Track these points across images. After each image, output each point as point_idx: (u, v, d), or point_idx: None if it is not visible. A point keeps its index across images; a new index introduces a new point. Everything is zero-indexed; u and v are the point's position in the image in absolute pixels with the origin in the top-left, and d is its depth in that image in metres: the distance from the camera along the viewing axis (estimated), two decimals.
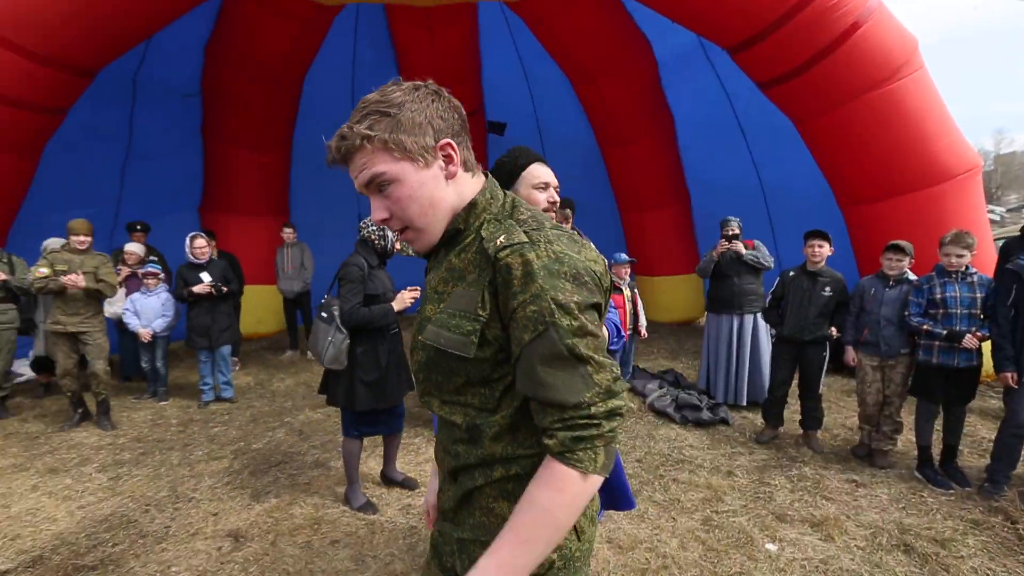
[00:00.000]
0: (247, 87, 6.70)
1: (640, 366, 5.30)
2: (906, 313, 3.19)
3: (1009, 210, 35.07)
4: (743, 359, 4.29)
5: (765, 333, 4.35)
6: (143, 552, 2.55)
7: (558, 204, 1.80)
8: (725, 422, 4.00)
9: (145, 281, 4.76)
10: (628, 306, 4.41)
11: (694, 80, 6.80)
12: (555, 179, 1.78)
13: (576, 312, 0.82)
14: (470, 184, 0.99)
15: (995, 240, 5.79)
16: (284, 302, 6.62)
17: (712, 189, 7.34)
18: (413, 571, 2.30)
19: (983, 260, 4.20)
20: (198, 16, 5.86)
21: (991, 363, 3.01)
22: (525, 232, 0.88)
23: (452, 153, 0.95)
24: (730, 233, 4.41)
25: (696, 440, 3.73)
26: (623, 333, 4.13)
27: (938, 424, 3.19)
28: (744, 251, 4.26)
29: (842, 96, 4.75)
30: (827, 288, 3.51)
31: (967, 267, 3.13)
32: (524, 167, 1.74)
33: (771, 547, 2.43)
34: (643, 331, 4.55)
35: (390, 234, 2.81)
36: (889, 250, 3.37)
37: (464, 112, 1.01)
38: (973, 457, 3.34)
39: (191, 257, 4.61)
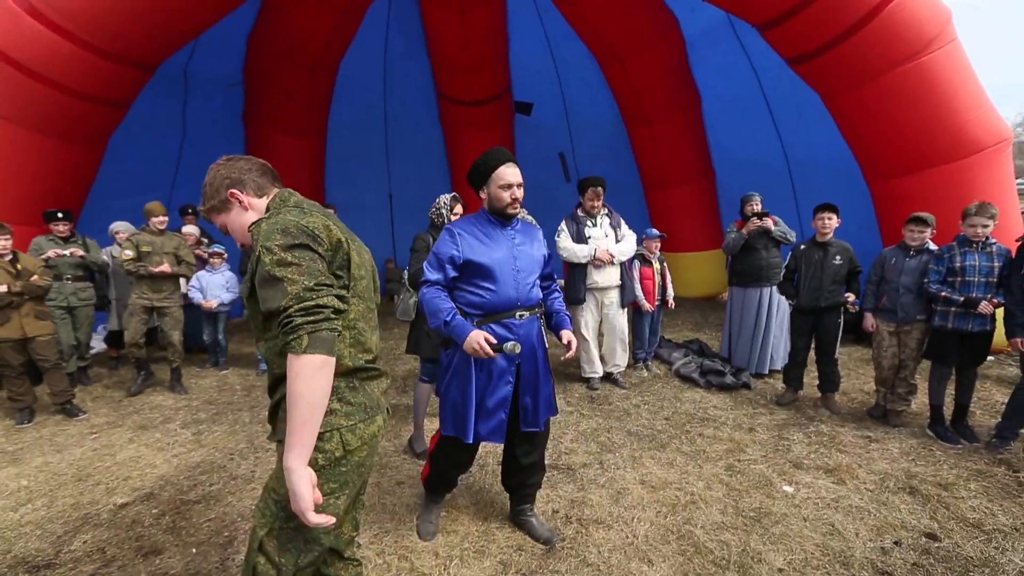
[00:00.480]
0: (287, 75, 7.03)
1: (666, 337, 5.55)
2: (925, 280, 3.37)
3: None
4: (770, 329, 4.50)
5: (786, 303, 4.55)
6: (236, 491, 2.98)
7: (520, 201, 2.14)
8: (747, 386, 4.25)
9: (211, 260, 5.19)
10: (657, 279, 4.65)
11: (721, 57, 6.85)
12: (520, 178, 2.12)
13: (276, 250, 1.20)
14: (264, 201, 1.44)
15: None
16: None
17: (738, 165, 7.44)
18: (473, 505, 2.67)
19: (1008, 231, 4.30)
20: (242, 8, 6.17)
21: (1003, 333, 3.19)
22: (270, 214, 1.33)
23: (238, 195, 1.41)
24: (758, 209, 4.55)
25: (720, 402, 4.01)
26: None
27: (950, 389, 3.39)
28: (773, 227, 4.43)
29: (873, 70, 4.81)
30: (838, 257, 3.70)
31: (987, 237, 3.28)
32: (493, 169, 2.10)
33: (788, 488, 2.72)
34: (671, 302, 4.78)
35: (445, 211, 3.13)
36: (911, 222, 3.52)
37: (253, 159, 1.49)
38: (985, 418, 3.53)
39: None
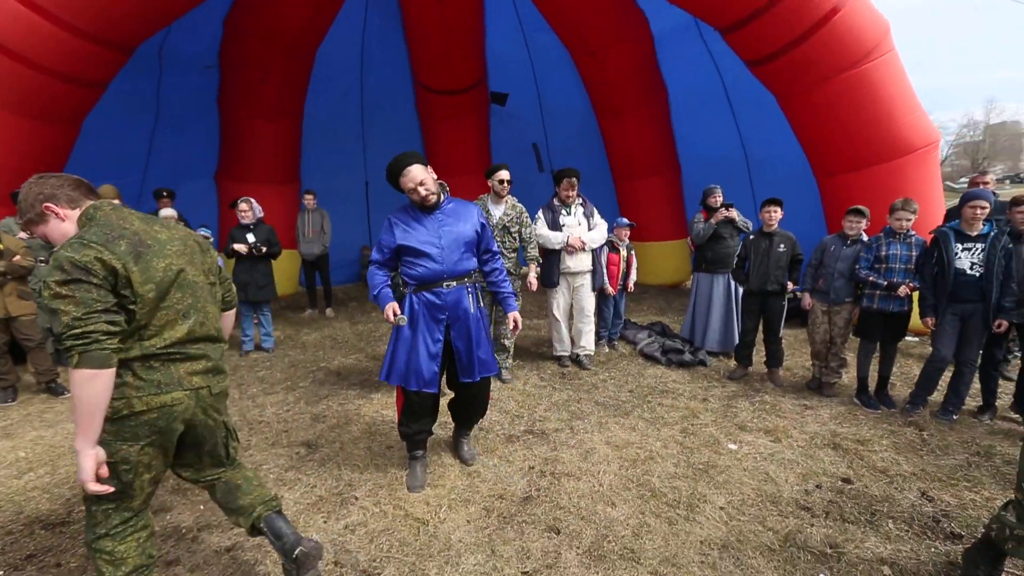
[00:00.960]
0: (264, 59, 7.03)
1: (632, 320, 5.96)
2: (856, 267, 3.83)
3: (995, 180, 35.80)
4: (732, 312, 4.91)
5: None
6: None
7: (430, 197, 2.53)
8: (703, 363, 4.68)
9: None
10: (622, 265, 5.01)
11: (687, 55, 7.22)
12: (427, 177, 2.54)
13: (53, 286, 1.45)
14: (77, 212, 1.66)
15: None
16: (304, 264, 7.15)
17: (701, 159, 7.86)
18: (458, 464, 2.98)
19: (930, 224, 4.83)
20: None
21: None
22: (71, 238, 1.55)
23: (53, 208, 1.62)
24: (722, 201, 4.93)
25: (678, 377, 4.42)
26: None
27: (875, 366, 3.88)
28: (737, 217, 4.82)
29: (821, 75, 5.25)
30: (782, 245, 4.14)
31: (908, 229, 3.75)
32: (402, 170, 2.54)
33: (732, 446, 3.13)
34: (631, 285, 5.13)
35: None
36: (850, 213, 3.97)
37: (65, 175, 1.69)
38: (904, 389, 4.05)
39: (240, 219, 5.15)
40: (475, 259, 2.70)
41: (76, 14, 4.54)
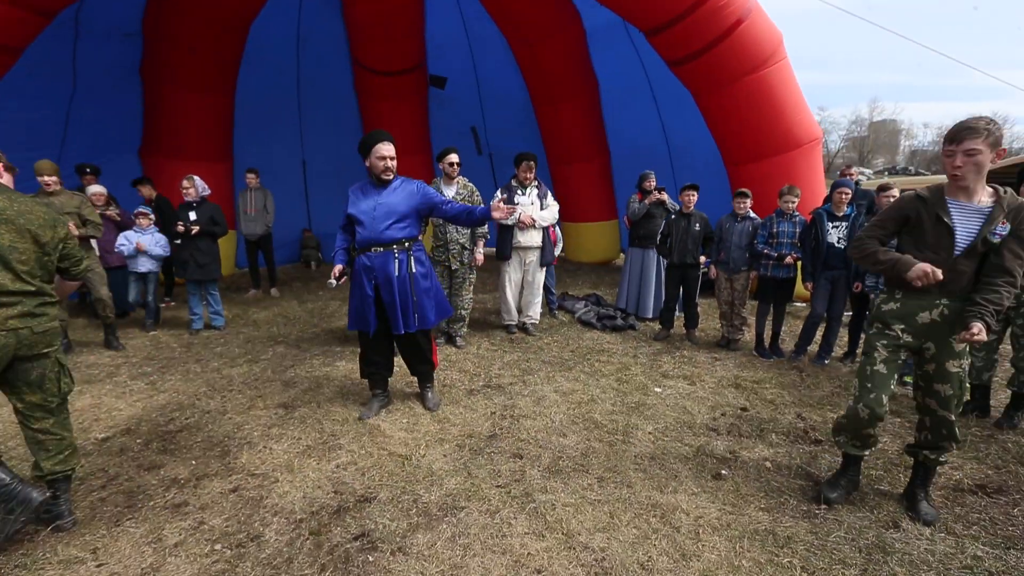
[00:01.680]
0: (193, 31, 6.80)
1: (569, 292, 6.57)
2: (755, 241, 4.61)
3: (875, 172, 40.51)
4: (660, 282, 5.62)
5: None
6: (213, 421, 3.39)
7: (389, 171, 3.08)
8: (632, 327, 5.37)
9: (138, 221, 5.17)
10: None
11: (616, 50, 7.84)
12: (393, 153, 3.11)
13: None
14: None
15: None
16: (246, 244, 7.07)
17: (628, 146, 8.59)
18: (430, 415, 3.39)
19: (813, 206, 5.79)
20: None
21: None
22: None
23: None
24: (654, 184, 5.58)
25: (612, 339, 5.07)
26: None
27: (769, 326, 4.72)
28: (667, 199, 5.49)
29: (727, 77, 6.04)
30: (697, 225, 4.87)
31: (793, 211, 4.57)
32: (373, 145, 3.07)
33: (657, 389, 3.79)
34: (556, 260, 5.60)
35: None
36: (737, 196, 4.75)
37: None
38: (791, 343, 4.94)
39: (185, 197, 5.11)
40: (407, 230, 3.10)
41: None
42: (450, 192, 4.42)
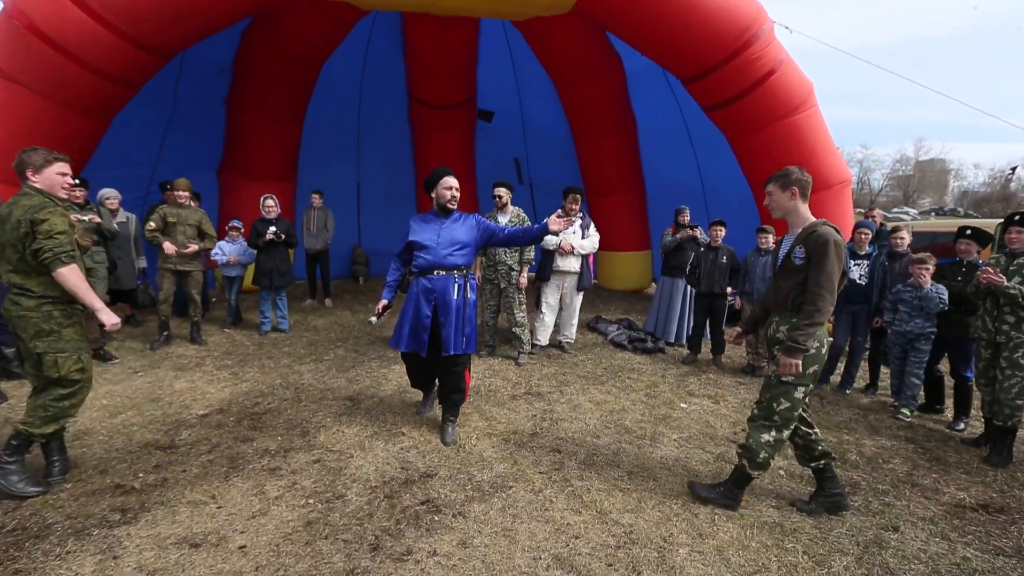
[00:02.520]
0: (276, 68, 7.67)
1: (602, 316, 6.96)
2: None
3: (920, 212, 39.60)
4: (686, 309, 5.99)
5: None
6: (290, 407, 3.92)
7: (454, 201, 3.44)
8: (662, 351, 5.71)
9: (230, 233, 5.91)
10: None
11: (654, 93, 8.36)
12: (457, 185, 3.46)
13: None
14: None
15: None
16: (306, 258, 7.78)
17: (663, 182, 9.03)
18: (476, 414, 3.83)
19: None
20: None
21: None
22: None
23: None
24: (687, 219, 6.02)
25: (642, 360, 5.43)
26: None
27: None
28: (699, 235, 5.91)
29: (760, 123, 6.44)
30: (724, 257, 5.25)
31: None
32: (442, 177, 3.44)
33: (683, 405, 4.13)
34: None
35: None
36: (760, 232, 5.12)
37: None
38: None
39: (264, 213, 5.82)
40: (466, 257, 3.36)
41: (131, 24, 5.12)
42: (504, 219, 4.93)
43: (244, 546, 2.30)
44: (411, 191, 10.64)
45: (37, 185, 2.66)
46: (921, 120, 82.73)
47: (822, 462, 2.75)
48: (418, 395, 4.12)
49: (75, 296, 2.63)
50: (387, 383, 4.44)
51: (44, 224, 2.55)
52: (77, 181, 5.43)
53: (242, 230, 6.11)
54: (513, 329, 5.12)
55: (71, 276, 2.59)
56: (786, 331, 2.59)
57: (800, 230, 2.62)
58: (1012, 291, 3.24)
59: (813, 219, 2.63)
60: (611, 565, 2.22)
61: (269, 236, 5.73)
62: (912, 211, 38.32)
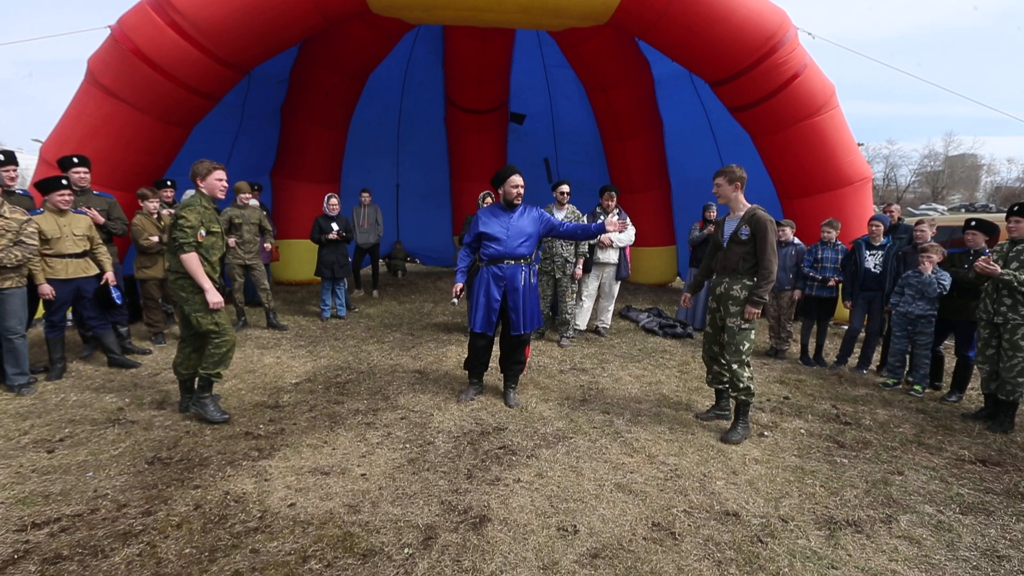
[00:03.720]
0: (330, 79, 8.34)
1: (633, 306, 7.45)
2: (802, 264, 5.38)
3: (950, 208, 38.85)
4: None
5: None
6: (367, 378, 4.52)
7: (520, 197, 3.88)
8: (690, 336, 6.19)
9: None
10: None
11: (680, 96, 8.80)
12: (522, 182, 3.89)
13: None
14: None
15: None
16: (356, 251, 8.42)
17: (687, 180, 9.46)
18: (530, 385, 4.38)
19: (856, 236, 6.45)
20: None
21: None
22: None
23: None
24: (716, 216, 6.47)
25: (672, 344, 5.91)
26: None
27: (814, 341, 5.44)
28: None
29: (784, 123, 6.85)
30: None
31: (835, 240, 5.32)
32: (509, 176, 3.87)
33: None
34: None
35: (479, 201, 4.79)
36: (779, 225, 5.54)
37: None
38: (832, 356, 5.62)
39: (327, 211, 6.46)
40: (531, 247, 3.88)
41: (218, 44, 5.79)
42: (560, 215, 5.41)
43: (364, 474, 2.89)
44: (446, 190, 11.25)
45: (203, 189, 3.34)
46: (951, 114, 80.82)
47: (725, 386, 3.64)
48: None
49: (191, 275, 3.37)
50: (447, 360, 5.02)
51: (181, 219, 3.30)
52: (169, 183, 6.17)
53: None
54: (565, 315, 5.63)
55: (190, 261, 3.33)
56: (739, 288, 3.40)
57: (742, 213, 3.45)
58: (1006, 277, 3.64)
59: (748, 205, 3.49)
60: (662, 491, 2.74)
61: (333, 235, 6.36)
62: (940, 207, 37.60)
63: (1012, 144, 71.17)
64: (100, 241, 4.54)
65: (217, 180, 3.44)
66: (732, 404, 3.59)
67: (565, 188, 5.42)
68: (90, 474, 2.86)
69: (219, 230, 3.53)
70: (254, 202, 6.91)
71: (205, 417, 3.52)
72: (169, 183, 6.12)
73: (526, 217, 3.91)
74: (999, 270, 3.64)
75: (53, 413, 3.65)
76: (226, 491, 2.70)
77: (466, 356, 4.14)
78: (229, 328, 3.56)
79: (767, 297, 3.34)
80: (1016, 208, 3.78)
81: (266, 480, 2.82)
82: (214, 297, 3.40)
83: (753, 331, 3.45)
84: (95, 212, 4.69)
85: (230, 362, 3.63)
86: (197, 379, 3.57)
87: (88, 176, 4.89)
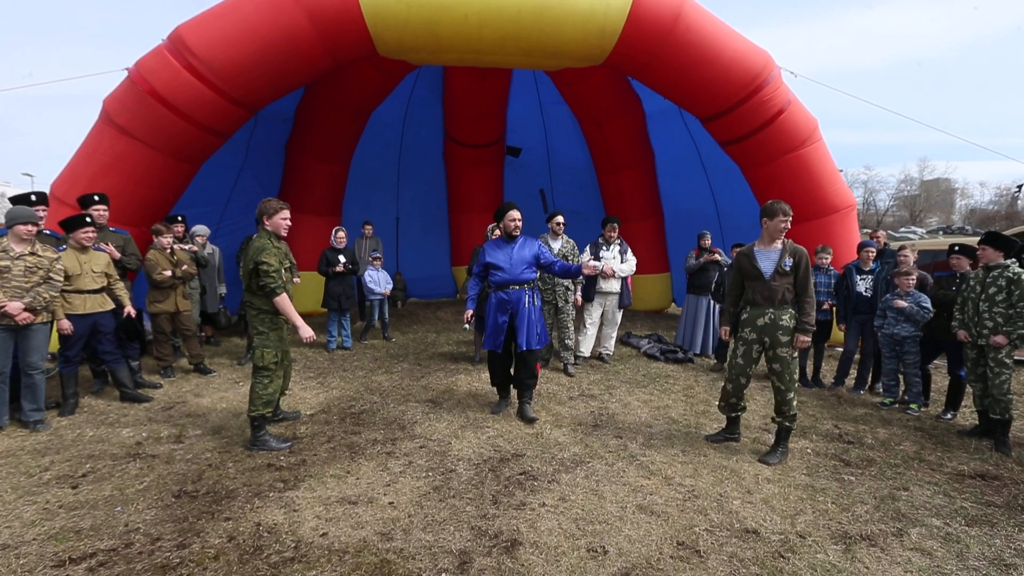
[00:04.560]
0: (334, 117, 8.61)
1: (633, 332, 7.61)
2: None
3: (928, 231, 40.12)
4: (711, 324, 6.65)
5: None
6: (381, 408, 4.58)
7: (518, 229, 4.31)
8: (691, 361, 6.34)
9: (373, 262, 6.94)
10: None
11: (670, 130, 9.20)
12: (520, 217, 4.33)
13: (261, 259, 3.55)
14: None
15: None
16: (357, 283, 8.52)
17: (679, 210, 9.80)
18: (543, 412, 4.48)
19: (846, 262, 6.72)
20: None
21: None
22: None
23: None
24: (708, 243, 6.74)
25: (674, 369, 6.06)
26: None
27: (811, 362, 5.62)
28: (720, 258, 6.61)
29: (772, 155, 7.21)
30: None
31: (828, 265, 5.57)
32: (508, 211, 4.30)
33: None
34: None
35: (488, 233, 5.13)
36: None
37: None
38: (830, 378, 5.79)
39: (334, 243, 6.60)
40: (534, 273, 4.29)
41: (232, 86, 6.02)
42: (556, 245, 5.64)
43: (392, 502, 2.95)
44: (444, 222, 11.48)
45: (268, 228, 3.65)
46: (924, 141, 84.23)
47: (739, 413, 3.84)
48: (486, 397, 4.78)
49: (284, 315, 3.67)
50: (458, 388, 5.11)
51: (263, 265, 3.54)
52: (180, 218, 6.29)
53: (382, 258, 7.47)
54: (565, 342, 5.78)
55: (282, 303, 3.62)
56: (788, 319, 3.54)
57: (782, 246, 3.63)
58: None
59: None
60: (683, 511, 2.84)
61: (340, 268, 6.49)
62: (919, 230, 38.79)
63: (983, 168, 73.98)
64: (117, 277, 4.62)
65: (282, 219, 3.71)
66: (775, 428, 3.73)
67: (560, 219, 5.65)
68: (118, 508, 2.89)
69: (289, 264, 3.87)
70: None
71: (272, 449, 3.67)
72: (180, 218, 6.24)
73: (526, 247, 4.31)
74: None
75: (71, 449, 3.67)
76: (257, 522, 2.74)
77: (489, 374, 4.56)
78: (280, 373, 3.80)
79: (814, 325, 3.53)
80: (984, 237, 4.04)
81: (295, 511, 2.87)
82: (306, 332, 3.65)
83: (796, 360, 3.61)
84: (112, 248, 4.79)
85: (274, 402, 3.83)
86: (251, 422, 3.70)
87: (107, 213, 5.00)
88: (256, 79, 6.10)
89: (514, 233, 4.28)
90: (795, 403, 3.56)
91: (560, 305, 5.71)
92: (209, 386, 5.18)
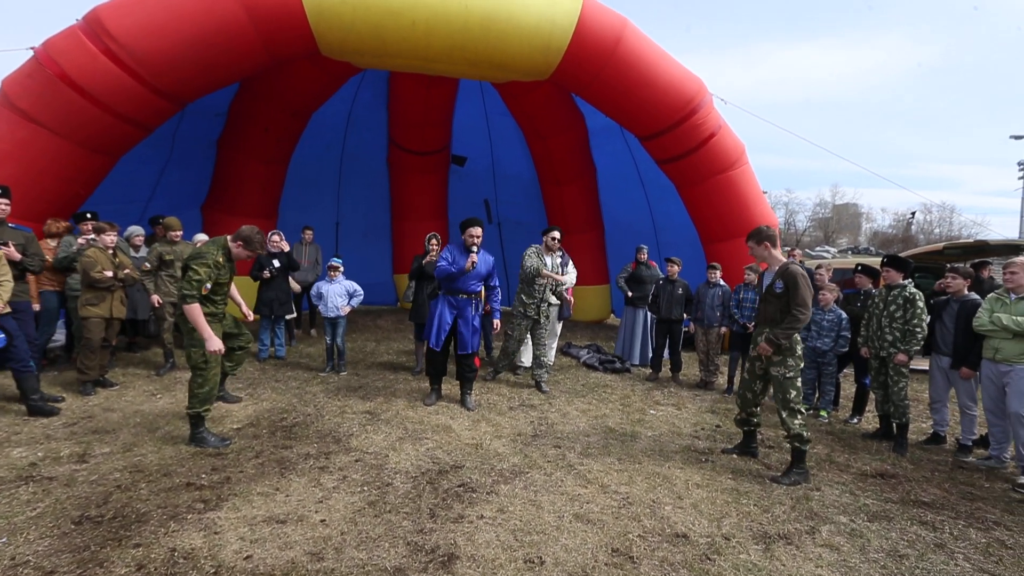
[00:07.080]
0: (270, 115, 8.25)
1: (573, 342, 7.77)
2: (731, 304, 5.94)
3: (839, 251, 43.93)
4: (648, 335, 6.90)
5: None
6: (315, 421, 4.39)
7: (476, 244, 4.64)
8: (628, 371, 6.55)
9: (330, 272, 6.00)
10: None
11: (612, 146, 9.54)
12: (480, 232, 4.70)
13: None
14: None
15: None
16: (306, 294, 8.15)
17: (619, 224, 10.15)
18: (483, 421, 4.46)
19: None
20: None
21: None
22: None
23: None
24: (645, 257, 7.00)
25: (612, 379, 6.23)
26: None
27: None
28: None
29: (703, 175, 7.64)
30: (680, 289, 6.22)
31: (755, 282, 5.94)
32: (470, 226, 4.61)
33: (652, 411, 4.93)
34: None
35: (426, 244, 5.40)
36: (710, 268, 6.15)
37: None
38: None
39: (269, 248, 6.27)
40: (479, 287, 4.66)
41: (158, 76, 5.63)
42: (550, 261, 5.67)
43: (324, 520, 2.83)
44: (387, 229, 11.24)
45: (231, 246, 3.82)
46: (836, 168, 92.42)
47: (753, 427, 3.99)
48: (433, 408, 4.71)
49: (192, 324, 3.63)
50: (396, 399, 4.99)
51: (191, 272, 3.59)
52: (90, 215, 5.75)
53: (341, 268, 6.07)
54: (542, 359, 5.64)
55: (192, 312, 3.60)
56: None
57: (777, 268, 3.64)
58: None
59: (784, 260, 3.68)
60: (618, 518, 2.91)
61: (267, 273, 6.16)
62: (832, 250, 42.41)
63: (885, 195, 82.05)
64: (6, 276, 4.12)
65: (245, 253, 3.89)
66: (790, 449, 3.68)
67: (556, 234, 5.71)
68: (3, 539, 2.58)
69: (225, 280, 3.83)
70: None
71: (210, 446, 3.72)
72: (88, 215, 5.71)
73: (480, 261, 4.57)
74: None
75: None
76: (172, 548, 2.54)
77: (425, 367, 4.99)
78: (216, 369, 3.76)
79: (784, 341, 3.50)
80: (886, 260, 4.49)
81: (216, 533, 2.68)
82: (213, 345, 3.64)
83: (799, 379, 3.59)
84: (12, 248, 4.31)
85: (214, 400, 3.91)
86: (190, 419, 3.75)
87: (8, 208, 4.50)
88: (185, 71, 5.74)
89: (471, 248, 4.62)
90: (798, 423, 3.50)
91: (541, 321, 5.64)
92: (121, 399, 4.76)
